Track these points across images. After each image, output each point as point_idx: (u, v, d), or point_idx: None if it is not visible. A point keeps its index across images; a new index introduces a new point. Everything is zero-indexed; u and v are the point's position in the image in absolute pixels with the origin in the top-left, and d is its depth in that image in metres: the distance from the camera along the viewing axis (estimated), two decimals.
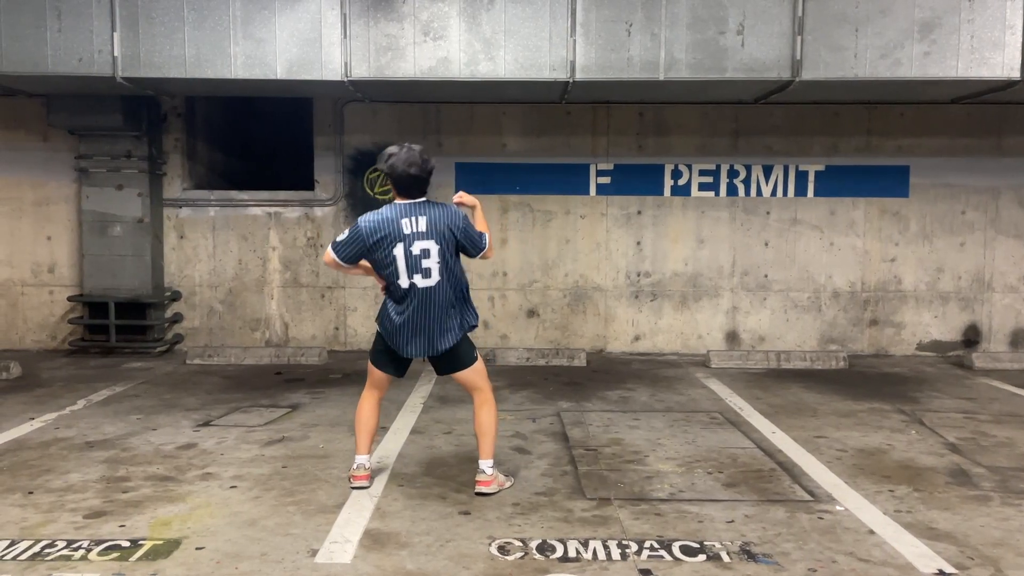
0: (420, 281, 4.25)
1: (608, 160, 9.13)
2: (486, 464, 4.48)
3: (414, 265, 4.23)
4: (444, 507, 4.30)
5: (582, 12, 7.02)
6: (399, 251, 4.23)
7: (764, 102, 8.44)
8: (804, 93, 7.73)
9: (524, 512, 4.22)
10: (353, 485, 4.54)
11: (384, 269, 4.30)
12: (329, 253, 4.36)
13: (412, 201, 4.30)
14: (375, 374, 4.56)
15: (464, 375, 4.50)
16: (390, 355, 4.47)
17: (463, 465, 5.01)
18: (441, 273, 4.28)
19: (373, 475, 4.65)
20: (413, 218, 4.24)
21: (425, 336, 4.33)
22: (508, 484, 4.59)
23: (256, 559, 3.65)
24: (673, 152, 9.13)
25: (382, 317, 4.43)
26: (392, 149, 4.29)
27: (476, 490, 4.45)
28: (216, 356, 8.63)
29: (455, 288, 4.36)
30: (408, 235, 4.23)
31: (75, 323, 9.06)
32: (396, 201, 4.34)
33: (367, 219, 4.30)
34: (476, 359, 4.52)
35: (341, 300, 9.27)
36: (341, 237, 4.34)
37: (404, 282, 4.26)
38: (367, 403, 4.60)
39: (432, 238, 4.24)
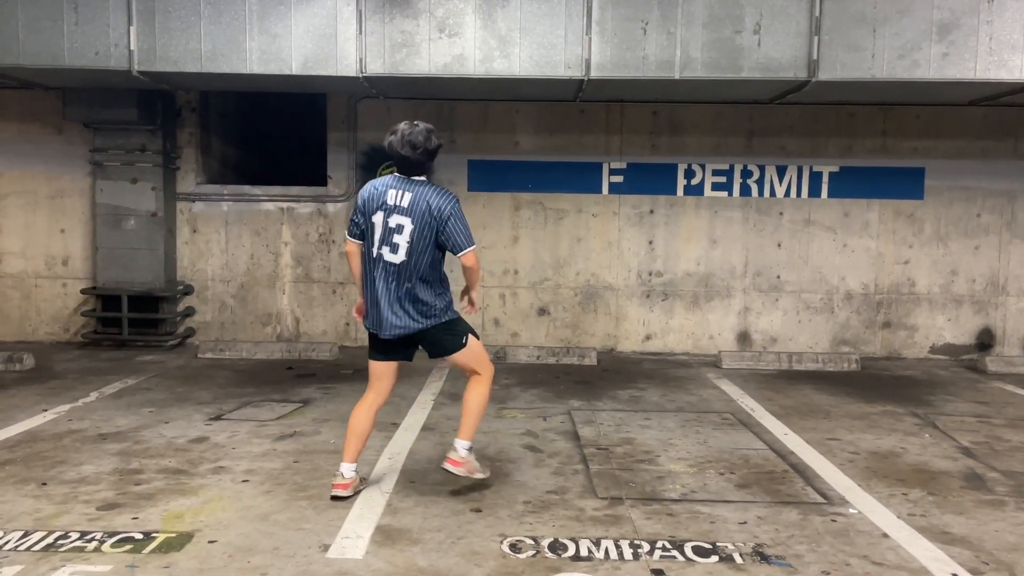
0: (387, 254, 4.17)
1: (621, 159, 9.11)
2: (462, 445, 4.37)
3: (385, 237, 4.16)
4: (455, 504, 4.30)
5: (598, 10, 6.99)
6: (378, 219, 4.18)
7: (779, 102, 8.40)
8: (820, 94, 7.68)
9: (536, 510, 4.22)
10: (332, 494, 4.32)
11: (364, 236, 4.25)
12: (349, 241, 4.35)
13: (407, 177, 4.24)
14: (369, 367, 4.48)
15: (455, 359, 4.43)
16: (373, 341, 4.39)
17: None
18: (408, 254, 4.14)
19: (358, 485, 4.42)
20: (400, 191, 4.18)
21: (380, 312, 4.22)
22: (479, 476, 4.43)
23: (268, 553, 3.66)
24: (686, 152, 9.10)
25: (367, 292, 4.36)
26: (399, 126, 4.21)
27: (443, 465, 4.37)
28: (228, 350, 8.65)
29: (422, 275, 4.19)
30: (390, 206, 4.16)
31: (88, 316, 9.10)
32: (395, 173, 4.30)
33: (365, 186, 4.31)
34: (465, 344, 4.37)
35: (352, 296, 9.27)
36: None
37: (373, 251, 4.21)
38: (362, 406, 4.48)
39: (410, 216, 4.13)
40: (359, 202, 4.27)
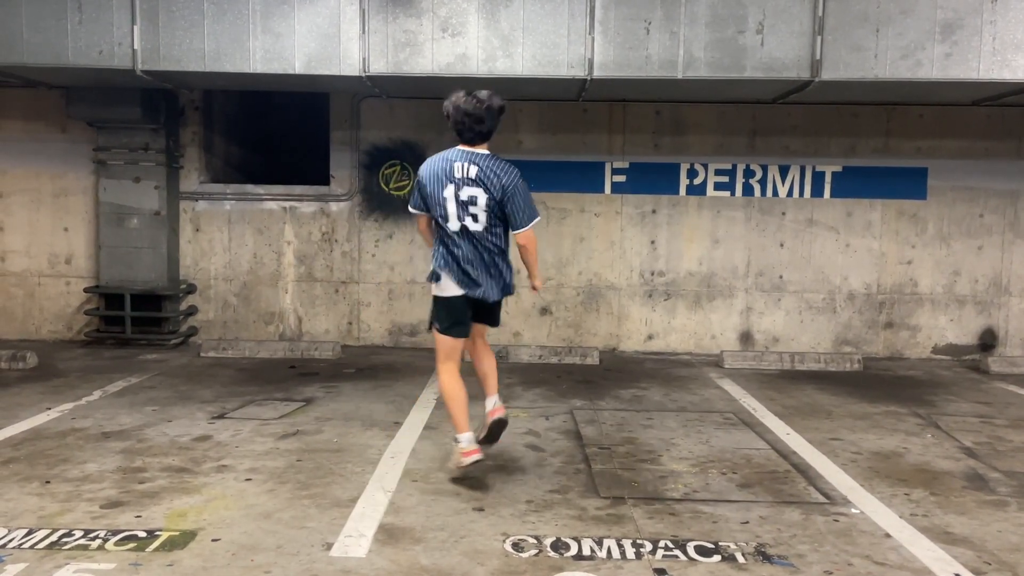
0: (470, 224, 4.30)
1: (624, 159, 9.11)
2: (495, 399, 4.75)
3: (461, 209, 4.26)
4: (458, 503, 4.30)
5: (601, 10, 7.00)
6: (449, 192, 4.27)
7: (782, 102, 8.39)
8: (823, 93, 7.68)
9: (538, 509, 4.22)
10: (467, 462, 4.42)
11: (435, 210, 4.33)
12: (416, 214, 4.52)
13: (470, 148, 4.33)
14: (447, 342, 4.54)
15: (485, 326, 4.70)
16: (455, 316, 4.48)
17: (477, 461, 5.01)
18: (488, 221, 4.30)
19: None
20: (466, 163, 4.27)
21: (476, 277, 4.39)
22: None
23: (271, 551, 3.67)
24: (689, 151, 9.10)
25: (445, 269, 4.40)
26: (461, 96, 4.30)
27: (502, 416, 4.65)
28: (230, 349, 8.66)
29: (499, 245, 4.40)
30: (459, 179, 4.26)
31: (91, 314, 9.11)
32: (456, 147, 4.38)
33: (425, 162, 4.40)
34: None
35: (355, 295, 9.29)
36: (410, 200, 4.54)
37: (454, 224, 4.29)
38: (452, 376, 4.55)
39: (480, 187, 4.26)
40: (420, 177, 4.39)
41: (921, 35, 6.92)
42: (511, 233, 4.44)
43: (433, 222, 4.48)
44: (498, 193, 4.26)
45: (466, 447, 4.45)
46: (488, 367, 4.79)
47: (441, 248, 4.44)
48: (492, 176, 4.26)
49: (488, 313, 4.66)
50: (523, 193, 4.33)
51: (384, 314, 9.30)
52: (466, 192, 4.25)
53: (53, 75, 7.77)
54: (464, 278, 4.39)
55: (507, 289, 4.54)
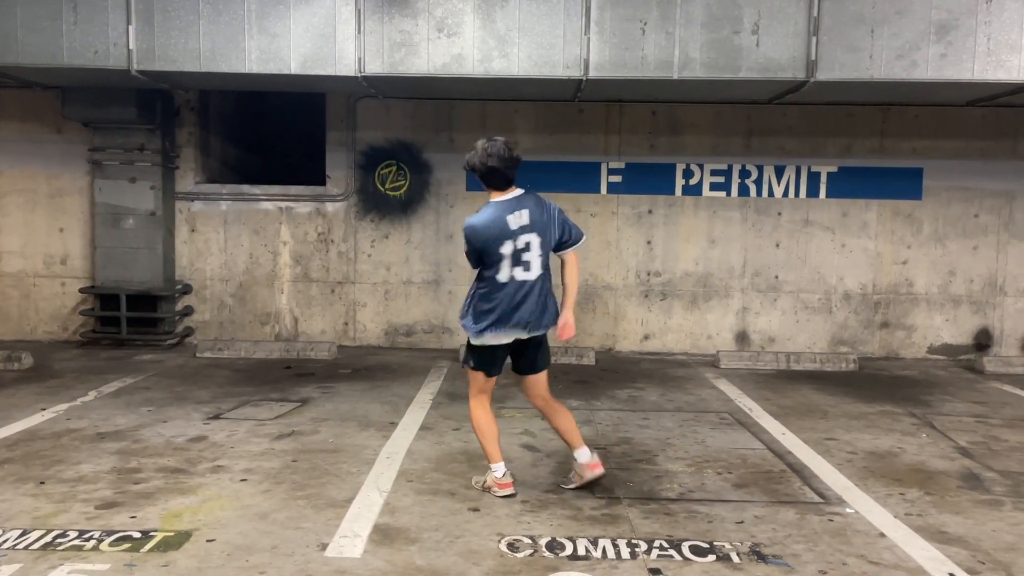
0: (520, 274, 4.25)
1: (620, 159, 9.12)
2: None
3: (516, 259, 4.24)
4: (453, 503, 4.30)
5: (597, 10, 7.00)
6: (507, 248, 4.21)
7: (778, 102, 8.40)
8: (818, 94, 7.69)
9: (533, 509, 4.23)
10: (503, 493, 4.38)
11: (490, 267, 4.26)
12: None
13: (511, 196, 4.28)
14: (481, 379, 4.46)
15: (541, 377, 4.50)
16: (493, 356, 4.39)
17: (472, 461, 5.02)
18: (541, 267, 4.31)
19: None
20: (517, 213, 4.24)
21: (525, 315, 4.30)
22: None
23: (267, 552, 3.67)
24: (685, 151, 9.11)
25: (485, 313, 4.29)
26: (483, 144, 4.25)
27: (602, 472, 4.51)
28: (226, 349, 8.65)
29: (547, 281, 4.38)
30: (514, 230, 4.22)
31: (87, 315, 9.10)
32: (493, 199, 4.30)
33: (475, 221, 4.25)
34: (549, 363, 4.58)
35: (351, 296, 9.28)
36: (465, 248, 4.39)
37: (504, 276, 4.24)
38: (484, 411, 4.49)
39: (535, 231, 4.25)
40: (477, 240, 4.23)
41: (916, 36, 6.93)
42: (570, 250, 4.42)
43: (478, 273, 4.39)
44: (551, 227, 4.31)
45: (502, 478, 4.41)
46: (564, 425, 4.54)
47: (484, 301, 4.30)
48: (542, 214, 4.28)
49: (530, 360, 4.46)
50: (564, 214, 4.44)
51: (380, 314, 9.30)
52: (522, 240, 4.23)
53: (48, 75, 7.76)
54: (511, 325, 4.30)
55: (552, 321, 4.43)
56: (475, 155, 4.25)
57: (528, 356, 4.44)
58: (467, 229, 4.27)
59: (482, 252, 4.24)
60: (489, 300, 4.28)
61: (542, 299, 4.34)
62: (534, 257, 4.25)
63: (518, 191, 4.31)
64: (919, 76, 6.99)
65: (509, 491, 4.39)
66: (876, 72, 6.99)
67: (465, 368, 4.51)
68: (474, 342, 4.35)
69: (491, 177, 4.26)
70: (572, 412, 6.26)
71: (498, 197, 4.29)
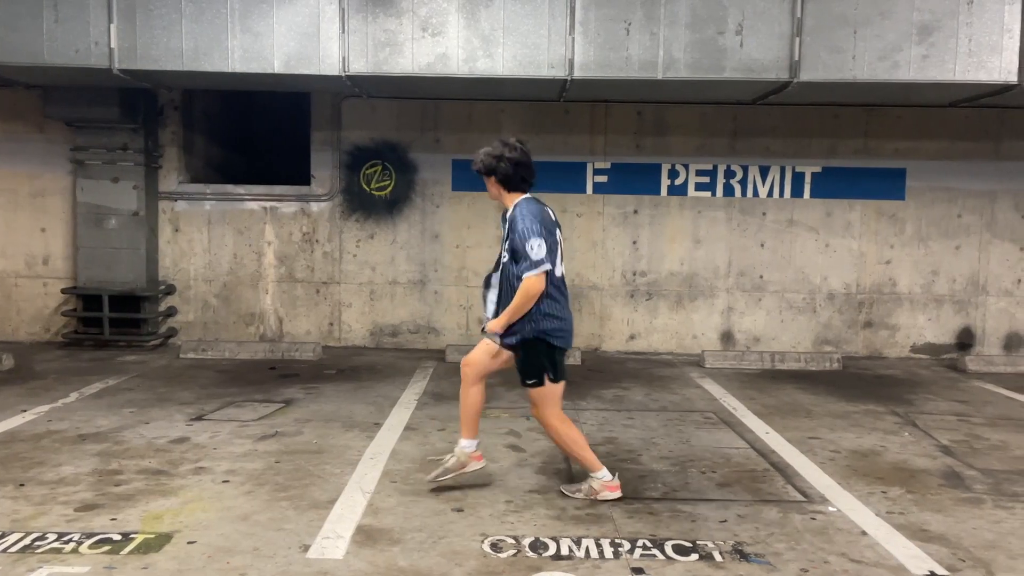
0: (558, 268, 4.29)
1: (605, 159, 9.13)
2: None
3: (559, 252, 4.30)
4: (437, 504, 4.29)
5: (581, 10, 7.00)
6: (558, 237, 4.32)
7: (762, 103, 8.42)
8: (802, 94, 7.72)
9: (517, 509, 4.22)
10: (614, 496, 4.34)
11: (555, 262, 4.24)
12: (541, 275, 4.10)
13: (532, 195, 4.35)
14: (558, 389, 4.34)
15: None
16: (562, 359, 4.34)
17: None
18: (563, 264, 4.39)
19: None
20: (548, 208, 4.38)
21: (571, 322, 4.40)
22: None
23: (248, 554, 3.64)
24: (671, 152, 9.13)
25: (553, 318, 4.19)
26: (490, 150, 4.22)
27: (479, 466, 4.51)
28: (210, 350, 8.60)
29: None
30: (554, 221, 4.35)
31: (69, 315, 9.03)
32: (520, 198, 4.28)
33: (533, 215, 4.15)
34: None
35: (336, 296, 9.25)
36: (534, 244, 4.07)
37: (559, 270, 4.28)
38: (566, 422, 4.37)
39: (559, 227, 4.42)
40: (543, 223, 4.15)
41: (899, 37, 6.98)
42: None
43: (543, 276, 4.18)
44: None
45: (609, 481, 4.36)
46: (465, 409, 4.43)
47: (550, 302, 4.19)
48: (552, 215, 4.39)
49: None
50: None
51: (366, 315, 9.27)
52: (559, 235, 4.34)
53: (30, 74, 7.69)
54: (567, 324, 4.31)
55: None
56: (495, 156, 4.20)
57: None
58: (532, 224, 4.09)
59: (548, 240, 4.14)
60: (561, 299, 4.27)
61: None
62: (559, 256, 4.31)
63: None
64: (902, 77, 7.03)
65: (619, 492, 4.36)
66: (859, 73, 7.03)
67: (539, 385, 4.27)
68: (553, 342, 4.24)
69: (515, 178, 4.25)
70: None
71: (524, 196, 4.31)
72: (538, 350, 4.22)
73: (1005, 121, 8.94)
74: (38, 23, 7.02)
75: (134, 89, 8.33)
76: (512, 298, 4.15)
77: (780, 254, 9.19)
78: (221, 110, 10.19)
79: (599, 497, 4.35)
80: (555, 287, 4.21)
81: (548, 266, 4.11)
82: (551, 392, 4.31)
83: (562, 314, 4.26)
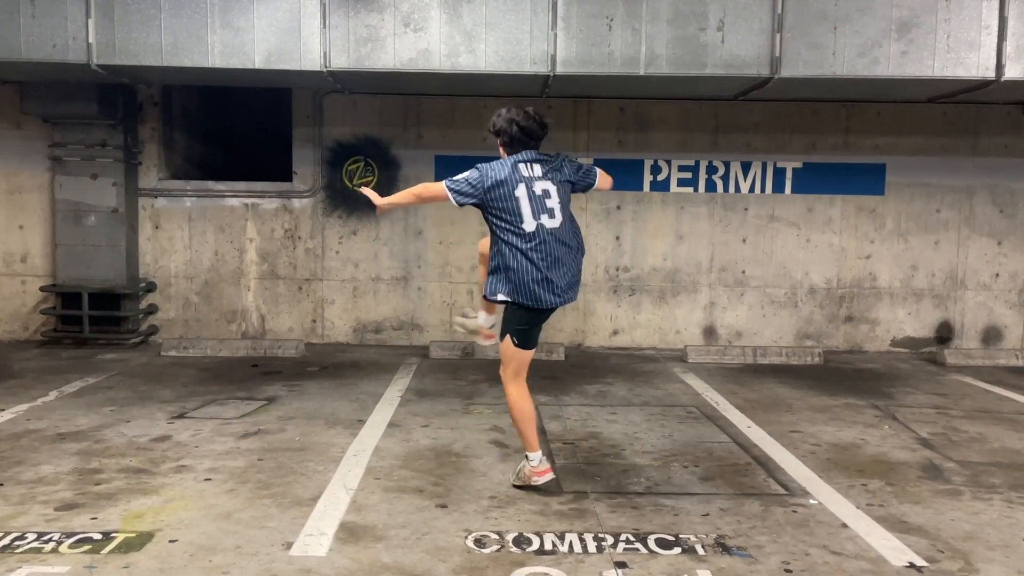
0: (547, 221, 4.19)
1: (588, 155, 9.13)
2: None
3: (540, 205, 4.18)
4: (421, 500, 4.29)
5: (563, 6, 7.00)
6: (522, 191, 4.17)
7: (744, 99, 8.47)
8: (783, 90, 7.76)
9: (501, 505, 4.22)
10: (542, 480, 4.33)
11: (504, 215, 4.17)
12: (443, 188, 4.25)
13: (522, 153, 4.30)
14: (520, 355, 4.32)
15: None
16: (530, 326, 4.30)
17: (440, 458, 5.01)
18: (563, 214, 4.25)
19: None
20: (528, 164, 4.25)
21: (567, 279, 4.27)
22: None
23: (230, 552, 3.62)
24: (653, 148, 9.15)
25: (518, 275, 4.17)
26: (510, 113, 4.29)
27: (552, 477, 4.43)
28: (192, 348, 8.55)
29: (576, 234, 4.35)
30: (527, 177, 4.21)
31: (48, 313, 8.93)
32: (507, 156, 4.33)
33: (486, 165, 4.26)
34: None
35: (319, 293, 9.21)
36: (459, 176, 4.24)
37: (530, 224, 4.17)
38: (524, 394, 4.36)
39: (549, 179, 4.25)
40: (483, 174, 4.21)
41: (878, 33, 7.03)
42: (597, 185, 4.55)
43: (493, 232, 4.26)
44: (566, 177, 4.32)
45: (539, 466, 4.35)
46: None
47: (513, 258, 4.19)
48: (554, 167, 4.29)
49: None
50: (577, 163, 4.49)
51: (349, 311, 9.24)
52: (539, 186, 4.20)
53: (6, 70, 7.60)
54: (543, 286, 4.19)
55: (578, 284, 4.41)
56: (498, 119, 4.30)
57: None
58: (477, 167, 4.24)
59: (488, 194, 4.18)
60: (533, 256, 4.19)
61: (573, 257, 4.31)
62: (555, 204, 4.23)
63: (534, 153, 4.32)
64: (881, 73, 7.09)
65: (549, 476, 4.36)
66: (839, 69, 7.08)
67: (501, 344, 4.37)
68: (508, 299, 4.26)
69: (512, 139, 4.29)
70: (542, 407, 6.33)
71: (511, 154, 4.33)
72: (508, 309, 4.33)
73: (983, 117, 9.03)
74: (14, 18, 6.93)
75: (113, 85, 8.24)
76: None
77: (762, 249, 9.24)
78: (201, 106, 10.11)
79: (530, 482, 4.37)
80: (527, 242, 4.17)
81: (452, 196, 4.23)
82: (512, 354, 4.33)
83: (531, 267, 4.16)
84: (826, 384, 7.49)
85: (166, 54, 7.00)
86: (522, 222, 4.18)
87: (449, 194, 4.23)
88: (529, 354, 4.38)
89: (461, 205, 4.29)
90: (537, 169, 4.25)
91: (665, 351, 9.11)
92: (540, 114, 4.35)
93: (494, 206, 4.21)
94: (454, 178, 4.25)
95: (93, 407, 6.19)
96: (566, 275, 4.26)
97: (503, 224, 4.21)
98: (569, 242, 4.28)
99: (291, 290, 9.21)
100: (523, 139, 4.29)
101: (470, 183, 4.22)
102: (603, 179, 4.56)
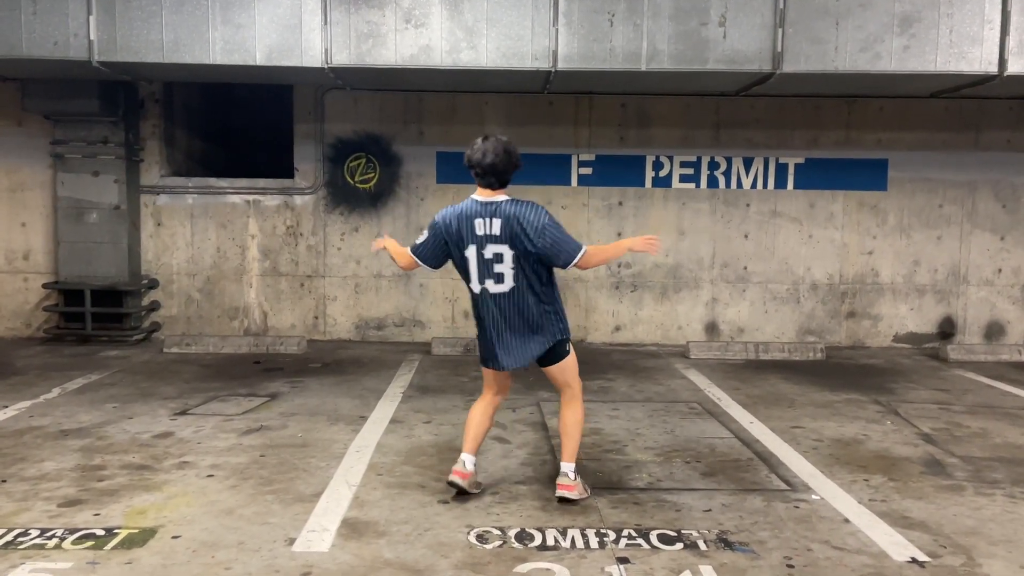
0: (492, 286, 4.00)
1: (590, 151, 9.13)
2: (569, 467, 4.20)
3: (486, 269, 3.99)
4: (423, 496, 4.29)
5: (564, 2, 6.99)
6: (471, 253, 4.00)
7: (745, 94, 8.46)
8: (785, 86, 7.75)
9: (503, 501, 4.22)
10: (449, 479, 4.21)
11: (459, 271, 4.14)
12: (408, 254, 4.20)
13: (490, 199, 4.01)
14: (485, 372, 4.30)
15: (553, 370, 4.23)
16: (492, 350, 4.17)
17: (443, 454, 5.01)
18: (516, 279, 3.97)
19: (474, 478, 4.26)
20: (488, 219, 3.96)
21: (508, 347, 4.08)
22: (587, 495, 4.26)
23: (233, 548, 3.63)
24: (655, 144, 9.14)
25: (478, 322, 4.18)
26: (477, 142, 4.06)
27: (558, 494, 4.16)
28: (194, 345, 8.55)
29: (537, 296, 4.02)
30: (480, 236, 3.96)
31: (50, 311, 8.94)
32: (474, 196, 4.07)
33: (443, 215, 4.08)
34: (569, 353, 4.24)
35: (321, 289, 9.22)
36: (420, 239, 4.15)
37: (476, 287, 4.06)
38: (478, 404, 4.33)
39: (506, 242, 3.93)
40: (439, 228, 4.08)
41: (880, 28, 7.01)
42: (570, 267, 4.03)
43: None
44: (526, 240, 3.92)
45: (455, 464, 4.26)
46: (563, 424, 4.28)
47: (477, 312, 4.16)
48: (516, 224, 3.92)
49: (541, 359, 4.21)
50: (556, 228, 3.96)
51: (351, 308, 9.24)
52: (490, 250, 3.95)
53: (7, 67, 7.60)
54: (483, 347, 4.15)
55: (555, 338, 4.13)
56: (471, 150, 4.06)
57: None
58: (433, 221, 4.14)
59: (450, 250, 4.08)
60: (476, 315, 4.16)
61: (520, 323, 4.05)
62: (507, 269, 3.96)
63: (503, 196, 4.02)
64: (883, 68, 7.07)
65: (454, 478, 4.18)
66: (841, 64, 7.07)
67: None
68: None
69: (480, 172, 4.04)
70: (544, 403, 6.33)
71: (480, 196, 4.06)
72: None
73: (985, 112, 9.01)
74: (16, 15, 6.94)
75: (114, 82, 8.24)
76: None
77: (764, 245, 9.23)
78: (202, 103, 10.11)
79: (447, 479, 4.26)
80: (474, 300, 4.14)
81: (412, 256, 4.20)
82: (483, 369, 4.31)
83: (478, 324, 4.18)
84: (828, 380, 7.49)
85: (167, 51, 7.00)
86: (470, 281, 4.10)
87: (415, 259, 4.19)
88: (491, 372, 4.26)
89: (435, 267, 4.23)
90: (496, 227, 3.95)
91: (667, 347, 9.11)
92: (507, 147, 4.01)
93: (454, 261, 4.14)
94: (417, 242, 4.18)
95: (96, 404, 6.20)
96: (513, 342, 4.07)
97: (462, 275, 4.16)
98: (524, 311, 4.02)
99: (293, 287, 9.22)
100: (485, 171, 4.01)
101: (431, 240, 4.12)
102: (586, 259, 4.00)
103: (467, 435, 4.28)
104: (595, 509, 4.13)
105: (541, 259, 3.99)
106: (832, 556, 3.63)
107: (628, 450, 5.19)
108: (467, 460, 4.23)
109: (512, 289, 4.01)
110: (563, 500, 4.16)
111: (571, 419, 4.27)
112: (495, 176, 4.03)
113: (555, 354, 4.20)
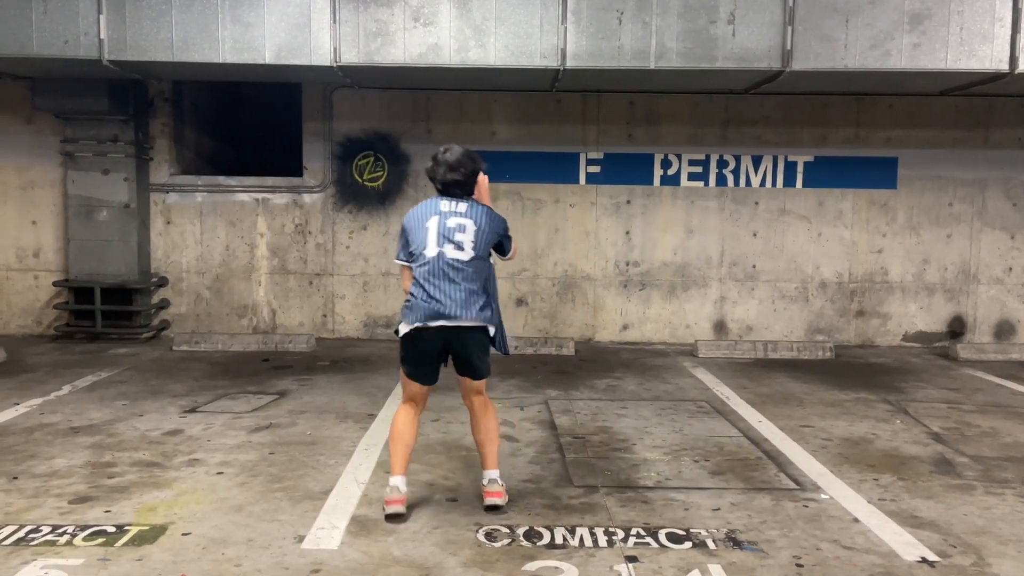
0: (450, 251, 3.96)
1: (598, 149, 9.12)
2: (495, 474, 4.15)
3: (446, 235, 3.96)
4: (431, 494, 4.30)
5: (573, 0, 6.99)
6: (432, 223, 3.98)
7: (754, 92, 8.44)
8: (794, 83, 7.73)
9: (511, 499, 4.22)
10: (387, 511, 3.96)
11: (413, 246, 4.03)
12: (402, 268, 4.18)
13: (441, 196, 4.10)
14: (407, 386, 4.14)
15: (477, 383, 4.15)
16: (418, 359, 4.06)
17: (451, 452, 5.03)
18: (476, 250, 3.99)
19: (408, 500, 4.05)
20: (453, 202, 4.04)
21: (451, 301, 3.94)
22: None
23: (242, 545, 3.65)
24: (663, 142, 9.12)
25: (408, 307, 4.03)
26: (437, 152, 4.08)
27: (489, 502, 4.06)
28: (203, 342, 8.58)
29: (483, 277, 4.05)
30: (445, 211, 4.01)
31: (60, 308, 8.99)
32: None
33: (407, 214, 4.15)
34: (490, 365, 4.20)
35: (329, 287, 9.24)
36: (399, 247, 4.16)
37: (432, 251, 3.96)
38: (401, 414, 4.13)
39: (470, 218, 4.01)
40: (404, 223, 4.10)
41: (890, 25, 6.98)
42: (506, 259, 4.30)
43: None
44: (488, 228, 4.06)
45: (390, 494, 3.99)
46: (484, 435, 4.17)
47: (411, 290, 4.06)
48: (479, 214, 4.05)
49: (467, 361, 4.09)
50: (507, 230, 4.21)
51: (359, 306, 9.26)
52: (453, 220, 3.99)
53: (18, 65, 7.64)
54: (430, 304, 3.95)
55: (489, 318, 4.05)
56: (432, 166, 4.10)
57: (464, 362, 4.12)
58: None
59: (407, 235, 4.06)
60: (422, 281, 4.01)
61: (468, 289, 3.98)
62: (467, 240, 3.98)
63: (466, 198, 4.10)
64: (893, 66, 7.05)
65: (395, 508, 3.94)
66: (850, 62, 7.04)
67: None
68: (401, 330, 4.08)
69: (441, 185, 4.08)
70: (552, 402, 6.33)
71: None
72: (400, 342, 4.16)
73: (995, 110, 8.96)
74: (26, 14, 6.97)
75: (124, 80, 8.28)
76: None
77: (772, 243, 9.21)
78: (211, 102, 10.14)
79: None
80: (422, 267, 4.01)
81: (399, 262, 4.17)
82: (403, 381, 4.16)
83: (419, 294, 4.00)
84: (837, 379, 7.47)
85: (177, 50, 7.02)
86: (424, 249, 3.99)
87: (406, 264, 4.13)
88: (417, 387, 4.11)
89: (404, 261, 4.17)
90: (461, 207, 4.04)
91: (675, 346, 9.09)
92: (467, 158, 4.06)
93: (411, 242, 4.07)
94: (398, 253, 4.18)
95: (106, 401, 6.23)
96: (454, 296, 3.96)
97: (414, 263, 4.06)
98: (469, 278, 3.98)
99: (301, 285, 9.24)
100: (448, 185, 4.05)
101: (405, 247, 4.10)
102: (514, 250, 4.30)
103: (396, 455, 4.07)
104: (604, 508, 4.13)
105: (494, 245, 4.15)
106: (841, 555, 3.62)
107: (636, 448, 5.19)
108: (400, 484, 4.02)
109: (471, 259, 3.99)
110: (493, 508, 4.05)
111: (492, 425, 4.18)
112: (460, 188, 4.09)
113: (483, 365, 4.12)
